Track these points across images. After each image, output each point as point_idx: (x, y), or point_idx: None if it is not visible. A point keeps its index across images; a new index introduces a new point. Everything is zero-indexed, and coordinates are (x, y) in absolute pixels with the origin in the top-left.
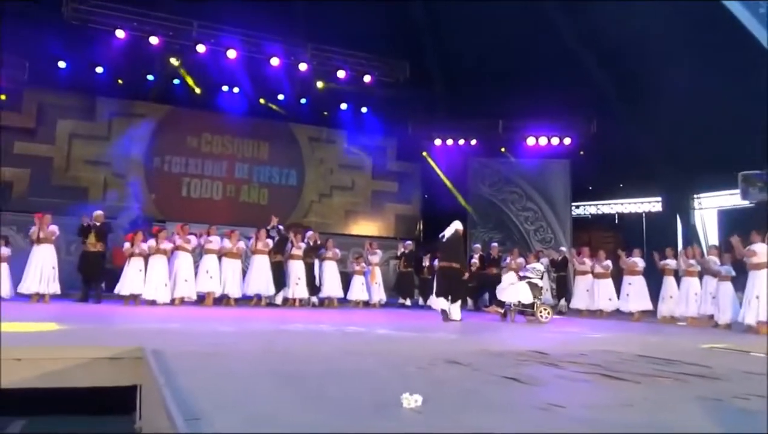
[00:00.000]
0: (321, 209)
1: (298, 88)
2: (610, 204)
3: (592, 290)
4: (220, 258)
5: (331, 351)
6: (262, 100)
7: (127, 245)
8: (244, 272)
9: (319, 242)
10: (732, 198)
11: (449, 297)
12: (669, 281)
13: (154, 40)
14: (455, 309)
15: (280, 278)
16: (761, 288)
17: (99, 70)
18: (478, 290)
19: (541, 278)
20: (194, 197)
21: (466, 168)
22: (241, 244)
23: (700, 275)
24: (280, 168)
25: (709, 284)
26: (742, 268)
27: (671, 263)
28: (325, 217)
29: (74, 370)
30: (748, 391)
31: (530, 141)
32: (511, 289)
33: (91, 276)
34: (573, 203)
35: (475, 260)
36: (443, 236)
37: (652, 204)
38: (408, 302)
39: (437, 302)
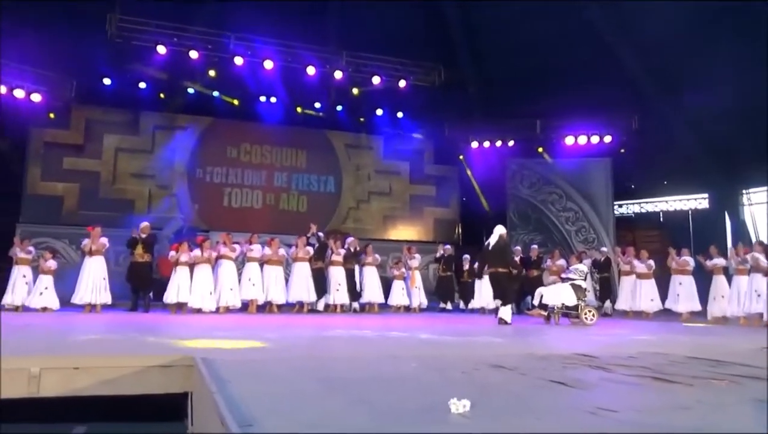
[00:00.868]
0: (359, 215)
1: (334, 96)
2: (654, 202)
3: (635, 290)
4: (261, 266)
5: (375, 357)
6: (299, 109)
7: (173, 254)
8: (286, 280)
9: (358, 249)
10: None
11: (499, 301)
12: (719, 280)
13: (193, 54)
14: (505, 312)
15: (321, 285)
16: None
17: (142, 85)
18: (519, 293)
19: (585, 280)
20: (235, 207)
21: (504, 170)
22: (282, 251)
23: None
24: (318, 175)
25: (756, 282)
26: None
27: (720, 261)
28: (364, 223)
29: (128, 378)
30: None
31: (569, 140)
32: (555, 291)
33: (140, 286)
34: (615, 202)
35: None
36: (488, 243)
37: (698, 201)
38: (449, 306)
39: (503, 312)
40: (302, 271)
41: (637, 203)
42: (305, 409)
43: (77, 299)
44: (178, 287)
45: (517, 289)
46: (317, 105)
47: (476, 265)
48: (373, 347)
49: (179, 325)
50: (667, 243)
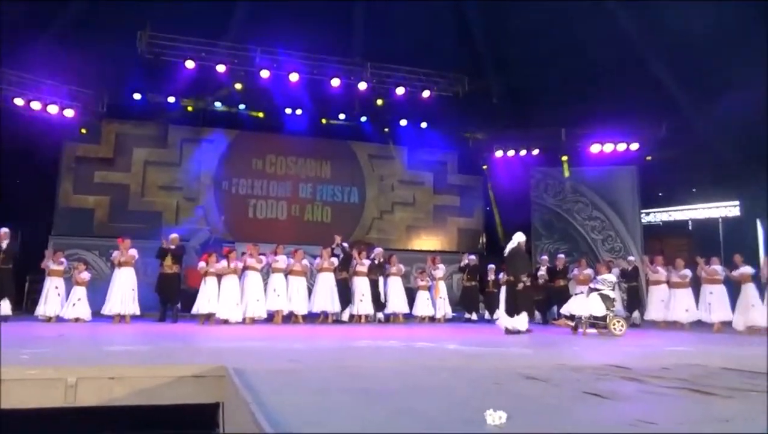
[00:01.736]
0: (383, 226)
1: (358, 107)
2: (682, 210)
3: (668, 300)
4: (286, 276)
5: (405, 367)
6: (323, 121)
7: (201, 264)
8: (309, 290)
9: (383, 260)
10: None
11: (512, 311)
12: (747, 288)
13: (221, 68)
14: (519, 321)
15: (346, 295)
16: None
17: (171, 99)
18: (546, 302)
19: (613, 289)
20: (260, 218)
21: (529, 179)
22: (306, 262)
23: None
24: (342, 186)
25: None
26: None
27: (747, 269)
28: (387, 233)
29: (162, 388)
30: None
31: (594, 148)
32: (582, 301)
33: (169, 297)
34: (642, 210)
35: (543, 272)
36: (506, 250)
37: (728, 208)
38: (474, 316)
39: (501, 318)
40: (327, 281)
41: (665, 211)
42: (342, 419)
43: (107, 310)
44: (208, 298)
45: (530, 300)
46: (342, 116)
47: (501, 274)
48: (401, 357)
49: (209, 336)
50: (697, 252)
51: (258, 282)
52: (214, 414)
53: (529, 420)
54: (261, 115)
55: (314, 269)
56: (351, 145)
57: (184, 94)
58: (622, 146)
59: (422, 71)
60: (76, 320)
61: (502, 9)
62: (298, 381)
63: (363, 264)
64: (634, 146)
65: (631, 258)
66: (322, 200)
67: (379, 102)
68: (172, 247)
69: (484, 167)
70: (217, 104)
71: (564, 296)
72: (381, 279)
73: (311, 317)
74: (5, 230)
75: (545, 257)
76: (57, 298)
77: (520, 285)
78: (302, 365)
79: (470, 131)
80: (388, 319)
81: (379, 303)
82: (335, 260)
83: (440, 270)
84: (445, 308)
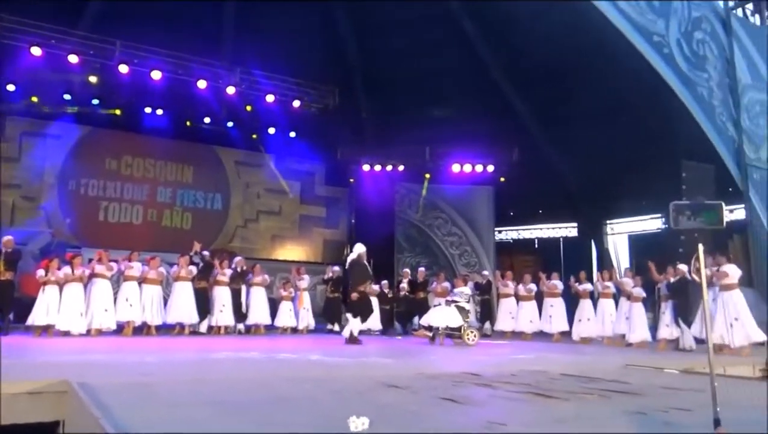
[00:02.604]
0: (247, 234)
1: (226, 112)
2: (530, 229)
3: (516, 312)
4: (140, 285)
5: (267, 379)
6: (188, 123)
7: (41, 272)
8: (165, 300)
9: (245, 268)
10: (641, 224)
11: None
12: (584, 303)
13: (73, 58)
14: (355, 323)
15: (204, 306)
16: (737, 309)
17: (11, 88)
18: (406, 314)
19: (468, 302)
20: (113, 222)
21: (394, 194)
22: (162, 270)
23: (615, 297)
24: (205, 192)
25: (623, 306)
26: (653, 289)
27: (587, 286)
28: (251, 242)
29: None
30: (667, 405)
31: (455, 168)
32: (440, 313)
33: (0, 306)
34: (496, 228)
35: (404, 284)
36: (348, 260)
37: (568, 229)
38: (336, 327)
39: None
40: (184, 291)
41: (515, 230)
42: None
43: None
44: (46, 308)
45: (365, 309)
46: (207, 120)
47: (383, 283)
48: (263, 369)
49: (48, 349)
50: (541, 268)
51: (107, 291)
52: (53, 433)
53: (390, 425)
54: (118, 112)
55: (171, 278)
56: (216, 150)
57: (28, 84)
58: (479, 167)
59: (293, 81)
60: None
61: (375, 29)
62: (151, 395)
63: (224, 273)
64: (490, 168)
65: (485, 273)
66: (183, 206)
67: (248, 108)
68: (7, 250)
69: (351, 180)
70: (67, 97)
71: (423, 307)
72: (243, 289)
73: (164, 329)
74: None
75: (407, 270)
76: None
77: (354, 295)
78: (156, 378)
79: (339, 144)
80: (249, 330)
81: (240, 314)
82: (194, 269)
83: (304, 281)
84: (308, 320)
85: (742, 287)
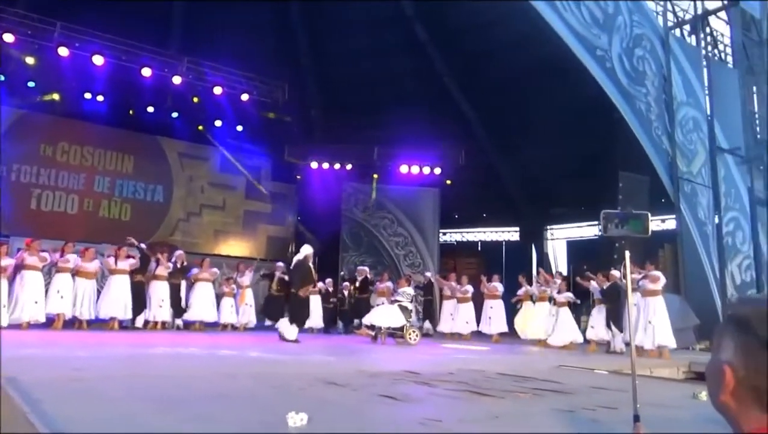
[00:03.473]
0: (189, 228)
1: (171, 102)
2: (474, 232)
3: (455, 313)
4: (73, 277)
5: (207, 374)
6: (130, 112)
7: None
8: (98, 293)
9: (186, 264)
10: (579, 230)
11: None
12: (526, 306)
13: (8, 37)
14: (291, 329)
15: (141, 300)
16: (656, 314)
17: None
18: (350, 313)
19: (411, 302)
20: (45, 210)
21: (341, 192)
22: (97, 262)
23: (551, 300)
24: (145, 183)
25: (551, 309)
26: (585, 295)
27: (527, 289)
28: (193, 236)
29: None
30: (595, 403)
31: (403, 169)
32: (383, 312)
33: None
34: (441, 230)
35: (347, 283)
36: (293, 262)
37: (510, 233)
38: (277, 325)
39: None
40: (120, 284)
41: (459, 232)
42: (138, 429)
43: None
44: None
45: (303, 311)
46: (150, 109)
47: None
48: (202, 365)
49: None
50: (484, 270)
51: (38, 282)
52: None
53: (329, 421)
54: (56, 96)
55: (106, 271)
56: (159, 140)
57: None
58: (426, 169)
59: (243, 74)
60: None
61: (328, 28)
62: (86, 390)
63: (168, 266)
64: (437, 170)
65: (428, 274)
66: (122, 197)
67: (195, 100)
68: None
69: (298, 177)
70: (0, 77)
71: (366, 307)
72: (183, 284)
73: (97, 323)
74: None
75: (365, 268)
76: None
77: (302, 293)
78: (89, 373)
79: (287, 141)
80: (188, 326)
81: (179, 309)
82: (131, 261)
83: (247, 277)
84: (249, 316)
85: (670, 295)
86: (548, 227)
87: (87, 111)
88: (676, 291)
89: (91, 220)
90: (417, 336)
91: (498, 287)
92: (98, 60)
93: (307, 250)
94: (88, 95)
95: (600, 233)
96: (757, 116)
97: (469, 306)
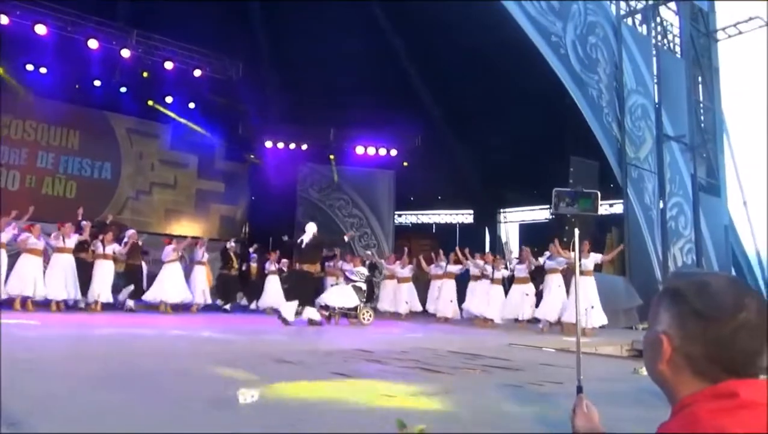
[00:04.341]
0: (138, 207)
1: (119, 76)
2: (428, 214)
3: (395, 293)
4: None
5: (156, 354)
6: (76, 86)
7: None
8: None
9: (141, 243)
10: (531, 214)
11: (299, 301)
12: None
13: None
14: (290, 309)
15: (85, 279)
16: (587, 293)
17: None
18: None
19: (365, 283)
20: None
21: (296, 172)
22: (42, 240)
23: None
24: (92, 160)
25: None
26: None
27: (454, 268)
28: (144, 215)
29: None
30: (542, 379)
31: (359, 150)
32: (337, 292)
33: None
34: (396, 212)
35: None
36: (302, 240)
37: (464, 216)
38: (228, 306)
39: (287, 307)
40: (65, 263)
41: (414, 214)
42: (79, 405)
43: None
44: None
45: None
46: (97, 83)
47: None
48: (152, 345)
49: None
50: (437, 252)
51: None
52: None
53: (279, 397)
54: None
55: (50, 249)
56: (107, 115)
57: None
58: (383, 151)
59: (195, 49)
60: None
61: (283, 6)
62: (24, 369)
63: (117, 249)
64: (394, 152)
65: (368, 253)
66: (66, 174)
67: (144, 74)
68: None
69: (252, 156)
70: None
71: (319, 287)
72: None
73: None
74: None
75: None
76: None
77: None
78: (30, 354)
79: (241, 119)
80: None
81: (139, 290)
82: (76, 238)
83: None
84: (205, 297)
85: (615, 276)
86: (501, 210)
87: (29, 83)
88: (621, 273)
89: (33, 197)
90: (370, 316)
91: (448, 268)
92: (41, 29)
93: (314, 228)
94: (30, 67)
95: (551, 216)
96: (701, 105)
97: (409, 287)
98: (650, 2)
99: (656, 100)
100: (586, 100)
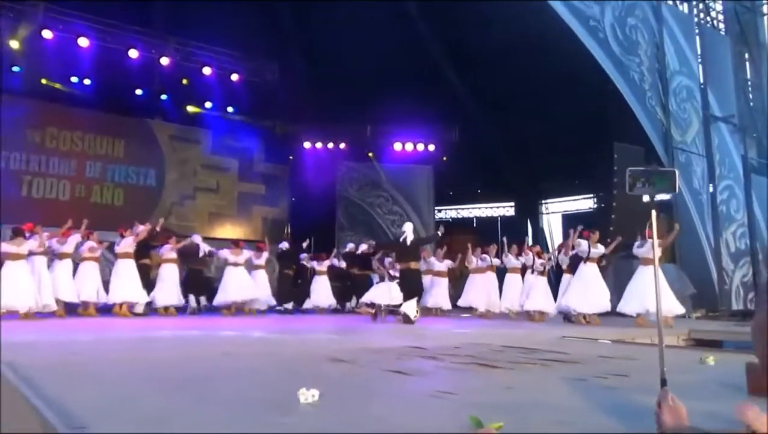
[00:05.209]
0: (183, 212)
1: (160, 84)
2: (469, 208)
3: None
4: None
5: (212, 355)
6: (119, 95)
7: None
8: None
9: (207, 250)
10: (574, 203)
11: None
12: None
13: None
14: (410, 306)
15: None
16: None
17: None
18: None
19: None
20: (36, 197)
21: (335, 171)
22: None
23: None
24: (137, 167)
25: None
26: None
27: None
28: (188, 219)
29: None
30: (604, 371)
31: (397, 146)
32: (383, 290)
33: None
34: (436, 207)
35: (342, 262)
36: (404, 239)
37: (506, 209)
38: (290, 306)
39: (408, 306)
40: (127, 268)
41: (454, 209)
42: (145, 407)
43: None
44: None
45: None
46: (139, 92)
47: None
48: (206, 345)
49: None
50: (479, 246)
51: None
52: None
53: (340, 396)
54: (43, 81)
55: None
56: (149, 123)
57: None
58: (421, 146)
59: (232, 54)
60: None
61: (317, 4)
62: (87, 372)
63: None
64: (432, 147)
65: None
66: (114, 182)
67: (184, 81)
68: None
69: (291, 157)
70: None
71: (365, 285)
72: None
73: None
74: None
75: (352, 245)
76: None
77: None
78: (91, 356)
79: (279, 120)
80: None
81: (201, 291)
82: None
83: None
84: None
85: (666, 264)
86: (543, 201)
87: (74, 95)
88: (672, 261)
89: (83, 206)
90: (418, 312)
91: (481, 262)
92: (83, 42)
93: (411, 226)
94: (74, 79)
95: (596, 205)
96: (749, 83)
97: (443, 281)
98: None
99: (701, 81)
100: (627, 85)
